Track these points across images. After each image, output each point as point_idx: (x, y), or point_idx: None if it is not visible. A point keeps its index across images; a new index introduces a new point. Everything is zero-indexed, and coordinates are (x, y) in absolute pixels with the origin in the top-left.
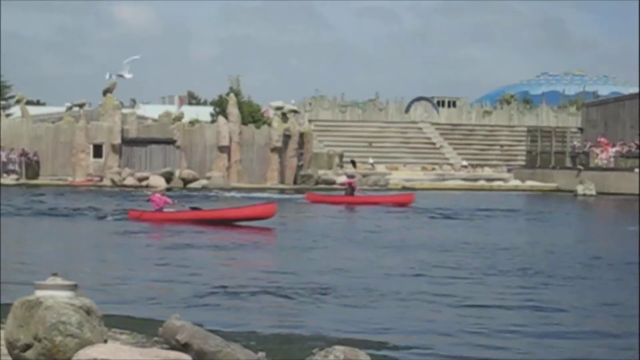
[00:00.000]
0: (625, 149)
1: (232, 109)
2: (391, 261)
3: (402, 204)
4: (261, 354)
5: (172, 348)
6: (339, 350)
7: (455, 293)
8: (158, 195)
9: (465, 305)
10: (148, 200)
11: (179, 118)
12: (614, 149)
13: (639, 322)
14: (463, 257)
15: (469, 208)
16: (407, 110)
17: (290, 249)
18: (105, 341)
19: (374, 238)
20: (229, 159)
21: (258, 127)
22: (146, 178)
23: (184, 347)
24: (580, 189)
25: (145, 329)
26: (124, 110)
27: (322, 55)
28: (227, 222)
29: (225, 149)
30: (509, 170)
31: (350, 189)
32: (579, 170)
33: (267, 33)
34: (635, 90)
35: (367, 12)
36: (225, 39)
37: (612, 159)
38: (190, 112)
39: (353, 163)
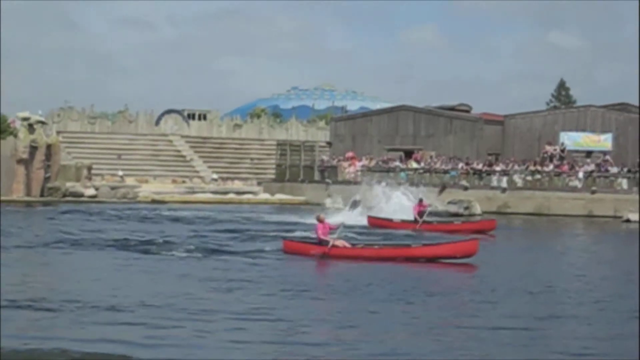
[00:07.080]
0: (373, 163)
1: None
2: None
3: (483, 231)
4: None
5: None
6: None
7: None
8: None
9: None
10: (327, 229)
11: None
12: (360, 163)
13: (639, 322)
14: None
15: None
16: (158, 122)
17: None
18: None
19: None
20: None
21: (4, 138)
22: None
23: None
24: (328, 202)
25: None
26: None
27: (75, 64)
28: (426, 260)
29: None
30: (259, 184)
31: (419, 214)
32: (327, 183)
33: (16, 36)
34: (382, 105)
35: (124, 20)
36: None
37: (359, 173)
38: None
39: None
